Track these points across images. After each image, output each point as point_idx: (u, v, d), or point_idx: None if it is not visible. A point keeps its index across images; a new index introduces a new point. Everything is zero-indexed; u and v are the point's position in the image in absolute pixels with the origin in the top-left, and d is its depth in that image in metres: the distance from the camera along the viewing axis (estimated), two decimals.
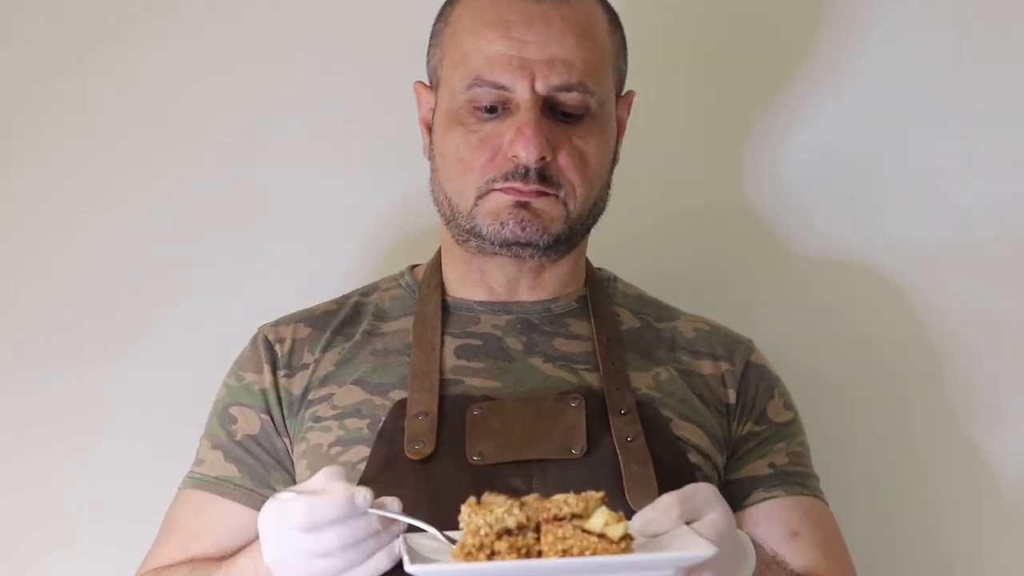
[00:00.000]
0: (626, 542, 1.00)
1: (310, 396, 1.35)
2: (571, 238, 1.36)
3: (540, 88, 1.31)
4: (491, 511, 1.01)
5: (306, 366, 1.37)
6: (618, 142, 1.42)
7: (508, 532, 1.01)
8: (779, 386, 1.44)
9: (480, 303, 1.39)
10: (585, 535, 1.00)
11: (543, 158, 1.30)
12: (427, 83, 1.42)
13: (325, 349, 1.38)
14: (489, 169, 1.32)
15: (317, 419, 1.33)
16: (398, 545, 1.09)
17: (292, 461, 1.35)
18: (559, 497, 1.03)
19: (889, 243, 1.71)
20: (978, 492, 1.68)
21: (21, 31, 1.69)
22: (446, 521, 1.20)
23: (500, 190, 1.32)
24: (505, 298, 1.39)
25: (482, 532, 1.01)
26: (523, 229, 1.32)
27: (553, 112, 1.32)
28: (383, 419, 1.30)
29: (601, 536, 1.00)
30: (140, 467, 1.63)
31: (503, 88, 1.31)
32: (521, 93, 1.31)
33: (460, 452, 1.26)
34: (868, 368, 1.70)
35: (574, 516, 1.01)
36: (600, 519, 1.00)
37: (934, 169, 1.71)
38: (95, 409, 1.66)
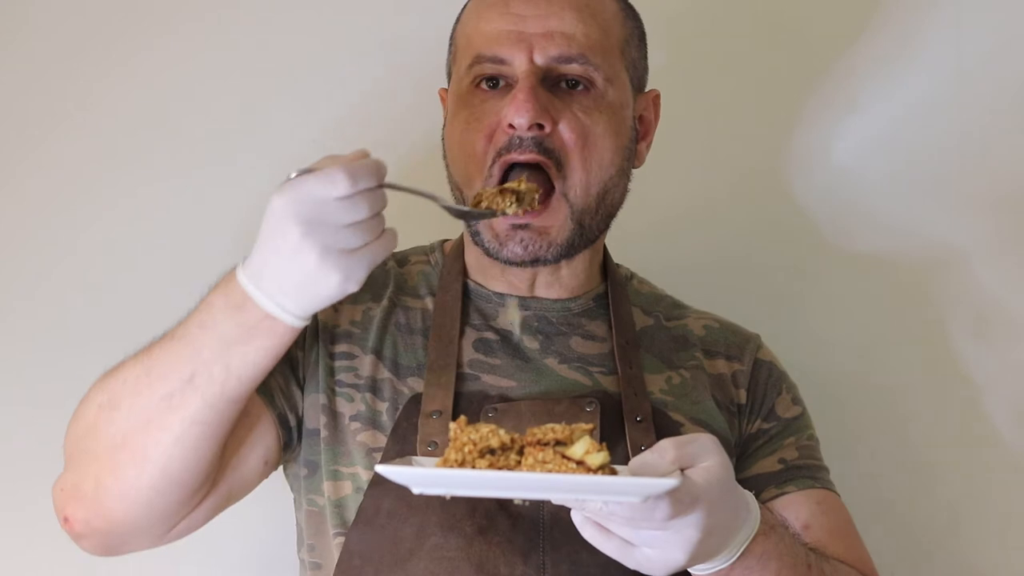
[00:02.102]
0: (604, 472, 1.00)
1: (333, 348, 1.33)
2: (583, 237, 1.33)
3: (539, 59, 1.30)
4: (476, 430, 1.03)
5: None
6: (641, 142, 1.40)
7: (491, 452, 1.02)
8: (786, 381, 1.43)
9: (500, 294, 1.38)
10: (565, 461, 1.00)
11: (540, 126, 1.28)
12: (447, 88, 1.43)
13: (353, 301, 1.35)
14: (489, 152, 1.30)
15: (340, 384, 1.32)
16: (394, 232, 1.11)
17: (299, 378, 1.32)
18: (548, 425, 1.03)
19: (927, 241, 1.71)
20: (994, 488, 1.68)
21: (22, 34, 1.73)
22: (457, 525, 1.23)
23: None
24: (525, 293, 1.38)
25: (466, 449, 1.02)
26: (524, 248, 1.30)
27: (557, 87, 1.31)
28: (398, 413, 1.29)
29: (580, 463, 0.99)
30: None
31: (502, 62, 1.31)
32: (519, 65, 1.30)
33: None
34: (894, 367, 1.70)
35: (558, 443, 1.01)
36: (582, 447, 1.00)
37: (985, 167, 1.72)
38: None
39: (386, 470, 1.00)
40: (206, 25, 1.74)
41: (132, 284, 1.71)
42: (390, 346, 1.34)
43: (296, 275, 1.08)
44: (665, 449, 1.07)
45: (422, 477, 1.02)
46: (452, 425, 1.04)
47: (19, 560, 1.67)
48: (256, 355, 1.14)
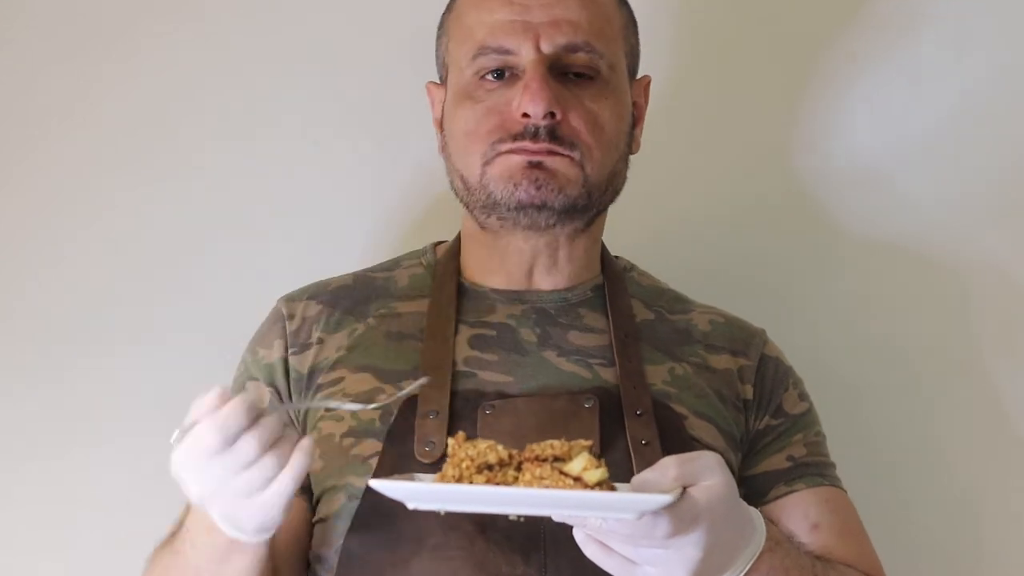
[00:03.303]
0: (602, 488, 1.00)
1: (319, 380, 1.33)
2: (588, 207, 1.33)
3: (546, 48, 1.30)
4: (475, 445, 1.03)
5: (309, 345, 1.35)
6: (635, 127, 1.40)
7: (489, 468, 1.02)
8: (792, 376, 1.42)
9: (496, 291, 1.38)
10: (562, 477, 1.00)
11: (552, 115, 1.28)
12: (437, 82, 1.43)
13: (335, 329, 1.36)
14: (496, 133, 1.30)
15: (329, 409, 1.31)
16: (307, 442, 1.06)
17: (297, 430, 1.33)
18: (547, 441, 1.03)
19: (933, 234, 1.71)
20: (1007, 490, 1.68)
21: (22, 34, 1.73)
22: (458, 524, 1.21)
23: (508, 151, 1.30)
24: (522, 286, 1.38)
25: (463, 464, 1.02)
26: (538, 188, 1.29)
27: (563, 76, 1.31)
28: (394, 415, 1.28)
29: (577, 479, 1.00)
30: (140, 467, 1.60)
31: (508, 52, 1.31)
32: (527, 55, 1.30)
33: None
34: (906, 363, 1.69)
35: (557, 459, 1.02)
36: (580, 463, 1.00)
37: (987, 162, 1.71)
38: (95, 409, 1.67)
39: (380, 485, 1.00)
40: (206, 25, 1.73)
41: (132, 284, 1.70)
42: (380, 357, 1.33)
43: (221, 519, 1.10)
44: (667, 467, 1.06)
45: (416, 492, 1.02)
46: (451, 441, 1.04)
47: (19, 559, 1.67)
48: (238, 571, 1.17)
